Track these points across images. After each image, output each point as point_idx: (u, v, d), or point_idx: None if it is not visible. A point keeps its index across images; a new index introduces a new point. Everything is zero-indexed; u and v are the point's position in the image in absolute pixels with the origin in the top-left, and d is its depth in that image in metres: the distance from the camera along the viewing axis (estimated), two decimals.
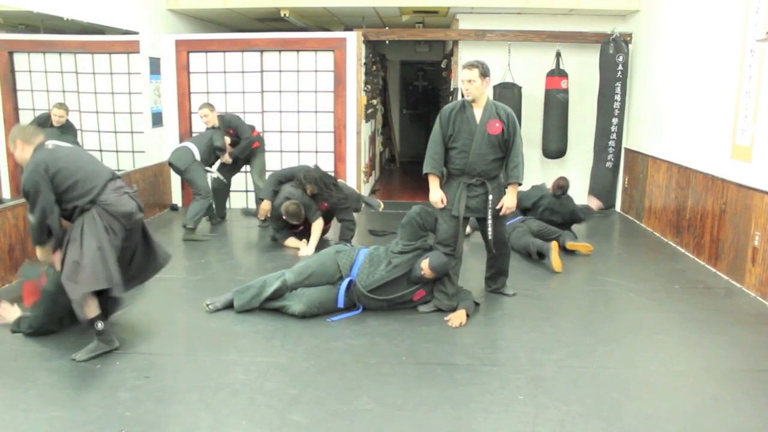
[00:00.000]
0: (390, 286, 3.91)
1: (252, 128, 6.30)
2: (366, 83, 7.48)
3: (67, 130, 5.29)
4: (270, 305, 3.87)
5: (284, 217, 5.20)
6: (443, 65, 8.97)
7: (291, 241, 5.45)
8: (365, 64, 7.30)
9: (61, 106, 5.29)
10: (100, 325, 3.23)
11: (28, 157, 3.25)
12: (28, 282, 3.75)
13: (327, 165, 7.01)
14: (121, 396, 2.85)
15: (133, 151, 6.41)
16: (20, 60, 5.07)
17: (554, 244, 4.95)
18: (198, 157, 5.79)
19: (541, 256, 5.06)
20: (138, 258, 3.54)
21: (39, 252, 3.41)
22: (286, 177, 5.41)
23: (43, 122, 5.11)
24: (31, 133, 3.31)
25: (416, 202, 4.63)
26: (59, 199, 3.22)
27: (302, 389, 2.94)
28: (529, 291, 4.39)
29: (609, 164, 6.94)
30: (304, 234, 5.49)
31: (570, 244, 5.30)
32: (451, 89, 7.67)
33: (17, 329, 3.50)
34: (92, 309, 3.22)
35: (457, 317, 3.80)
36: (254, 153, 6.28)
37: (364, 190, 7.59)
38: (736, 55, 4.72)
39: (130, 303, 3.76)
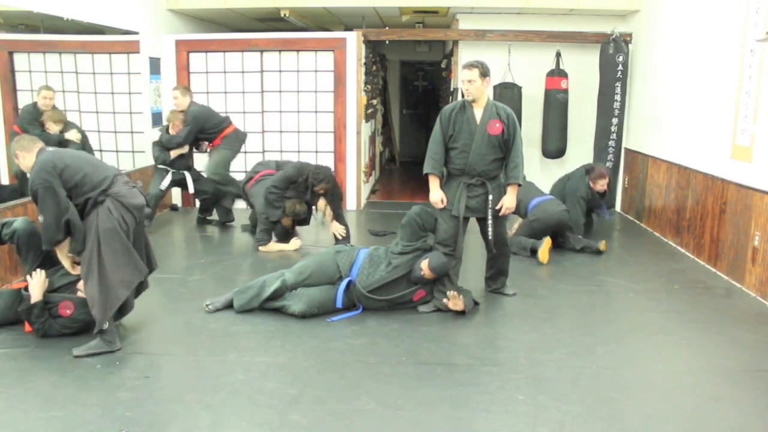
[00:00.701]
0: (390, 287, 3.91)
1: (226, 123, 5.95)
2: (366, 83, 7.48)
3: None
4: (270, 305, 3.87)
5: (291, 218, 5.25)
6: (443, 65, 8.96)
7: (272, 246, 5.36)
8: (365, 64, 7.30)
9: (48, 87, 5.14)
10: (105, 324, 3.24)
11: (32, 161, 3.27)
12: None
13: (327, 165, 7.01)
14: (121, 396, 2.85)
15: (133, 151, 6.41)
16: (20, 60, 5.07)
17: (548, 239, 5.11)
18: (156, 163, 5.85)
19: (534, 252, 5.11)
20: (143, 254, 3.55)
21: (59, 254, 3.46)
22: (287, 183, 5.20)
23: (33, 111, 5.02)
24: (29, 140, 3.34)
25: (416, 202, 4.63)
26: (69, 195, 3.24)
27: (302, 389, 2.94)
28: (529, 291, 4.39)
29: (609, 164, 6.93)
30: (287, 237, 5.49)
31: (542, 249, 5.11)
32: (451, 89, 7.68)
33: (29, 317, 3.38)
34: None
35: (455, 302, 3.83)
36: (215, 147, 5.92)
37: (364, 190, 7.60)
38: (736, 55, 4.72)
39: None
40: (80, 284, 3.43)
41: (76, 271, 3.50)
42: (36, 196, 3.20)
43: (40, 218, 3.24)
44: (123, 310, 3.41)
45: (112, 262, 3.22)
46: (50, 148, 3.37)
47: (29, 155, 3.28)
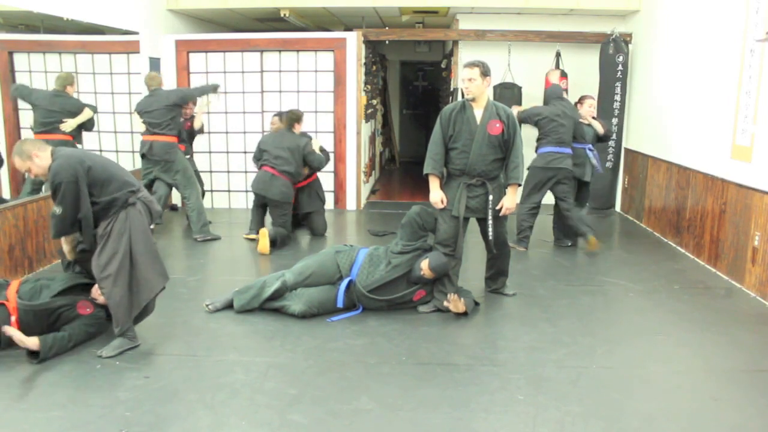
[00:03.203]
0: (390, 287, 3.91)
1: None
2: (366, 83, 7.48)
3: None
4: (270, 305, 3.87)
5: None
6: (443, 65, 8.97)
7: None
8: (365, 64, 7.30)
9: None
10: (127, 324, 3.28)
11: (48, 161, 3.19)
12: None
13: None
14: (121, 396, 2.85)
15: (132, 151, 6.40)
16: (20, 60, 5.07)
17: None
18: None
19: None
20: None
21: (64, 243, 3.42)
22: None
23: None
24: (38, 141, 3.28)
25: (416, 202, 4.63)
26: (91, 193, 3.20)
27: (302, 389, 2.94)
28: (529, 291, 4.39)
29: (609, 164, 6.94)
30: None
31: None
32: (451, 89, 7.68)
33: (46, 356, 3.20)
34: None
35: (456, 305, 3.83)
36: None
37: (364, 190, 7.60)
38: (736, 55, 4.72)
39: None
40: (95, 292, 3.38)
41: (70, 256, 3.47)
42: (58, 188, 3.13)
43: (57, 210, 3.16)
44: (144, 313, 3.44)
45: (142, 264, 3.25)
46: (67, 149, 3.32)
47: (44, 155, 3.18)
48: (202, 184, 6.40)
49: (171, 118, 5.53)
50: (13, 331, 3.12)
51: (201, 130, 6.34)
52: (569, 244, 5.61)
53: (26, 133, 5.00)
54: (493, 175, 4.01)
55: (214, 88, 5.84)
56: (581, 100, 5.75)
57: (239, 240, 5.88)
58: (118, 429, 2.59)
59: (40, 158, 3.18)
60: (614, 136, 6.88)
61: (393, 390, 2.95)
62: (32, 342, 3.13)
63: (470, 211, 4.02)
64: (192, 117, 6.09)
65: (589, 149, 5.61)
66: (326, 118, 7.06)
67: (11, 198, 4.77)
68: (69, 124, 5.06)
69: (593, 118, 5.68)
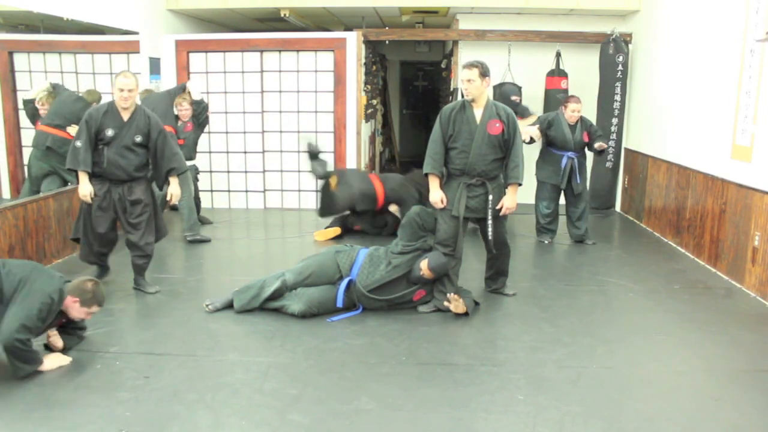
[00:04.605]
0: (390, 287, 3.91)
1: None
2: (366, 83, 7.48)
3: None
4: (270, 305, 3.87)
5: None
6: (443, 65, 8.97)
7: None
8: (365, 64, 7.30)
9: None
10: None
11: (138, 101, 4.14)
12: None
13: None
14: (121, 396, 2.85)
15: None
16: (20, 60, 5.06)
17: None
18: None
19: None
20: None
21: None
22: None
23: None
24: None
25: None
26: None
27: (302, 389, 2.94)
28: (529, 291, 4.39)
29: (609, 164, 6.93)
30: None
31: None
32: (451, 89, 7.68)
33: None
34: None
35: (456, 305, 3.83)
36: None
37: None
38: (736, 55, 4.72)
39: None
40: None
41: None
42: (163, 131, 4.12)
43: (175, 149, 4.20)
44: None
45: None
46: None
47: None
48: (197, 189, 6.35)
49: (164, 110, 5.49)
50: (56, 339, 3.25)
51: (202, 104, 5.95)
52: None
53: (26, 133, 5.00)
54: (492, 174, 4.01)
55: (183, 87, 5.89)
56: (565, 102, 5.64)
57: (239, 240, 5.88)
58: (118, 429, 2.59)
59: (137, 94, 4.05)
60: (614, 136, 6.88)
61: (393, 390, 2.95)
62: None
63: (470, 210, 4.02)
64: (191, 118, 6.00)
65: (569, 157, 5.56)
66: (326, 118, 7.06)
67: (11, 198, 4.77)
68: (76, 130, 5.11)
69: (599, 145, 5.58)
